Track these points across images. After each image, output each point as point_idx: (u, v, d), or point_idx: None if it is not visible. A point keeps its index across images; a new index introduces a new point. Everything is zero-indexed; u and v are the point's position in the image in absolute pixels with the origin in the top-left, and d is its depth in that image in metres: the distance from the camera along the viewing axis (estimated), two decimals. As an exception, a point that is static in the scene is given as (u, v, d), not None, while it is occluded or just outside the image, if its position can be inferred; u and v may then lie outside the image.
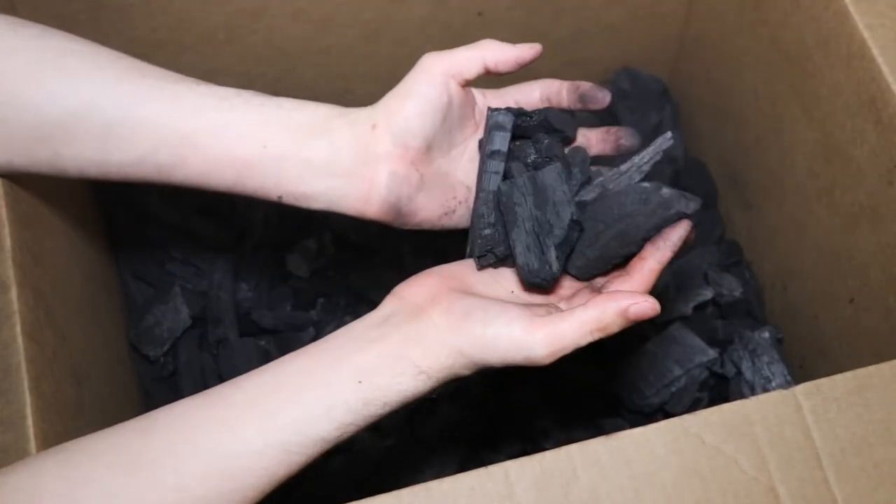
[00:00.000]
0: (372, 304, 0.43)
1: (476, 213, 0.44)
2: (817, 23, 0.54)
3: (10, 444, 0.40)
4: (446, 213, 0.46)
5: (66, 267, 0.52)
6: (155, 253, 0.70)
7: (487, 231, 0.44)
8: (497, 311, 0.40)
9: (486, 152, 0.44)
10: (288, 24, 0.63)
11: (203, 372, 0.66)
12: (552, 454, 0.37)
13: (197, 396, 0.40)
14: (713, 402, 0.65)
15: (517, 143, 0.46)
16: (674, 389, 0.64)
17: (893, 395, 0.39)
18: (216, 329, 0.67)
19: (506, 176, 0.44)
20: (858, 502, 0.37)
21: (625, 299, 0.39)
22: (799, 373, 0.65)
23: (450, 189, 0.46)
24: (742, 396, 0.62)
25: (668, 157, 0.44)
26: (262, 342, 0.68)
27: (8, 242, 0.44)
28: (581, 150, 0.46)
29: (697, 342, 0.64)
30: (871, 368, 0.39)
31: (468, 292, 0.43)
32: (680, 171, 0.75)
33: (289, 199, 0.43)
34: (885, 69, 0.48)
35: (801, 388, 0.39)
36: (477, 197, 0.45)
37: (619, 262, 0.44)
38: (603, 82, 0.74)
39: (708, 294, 0.68)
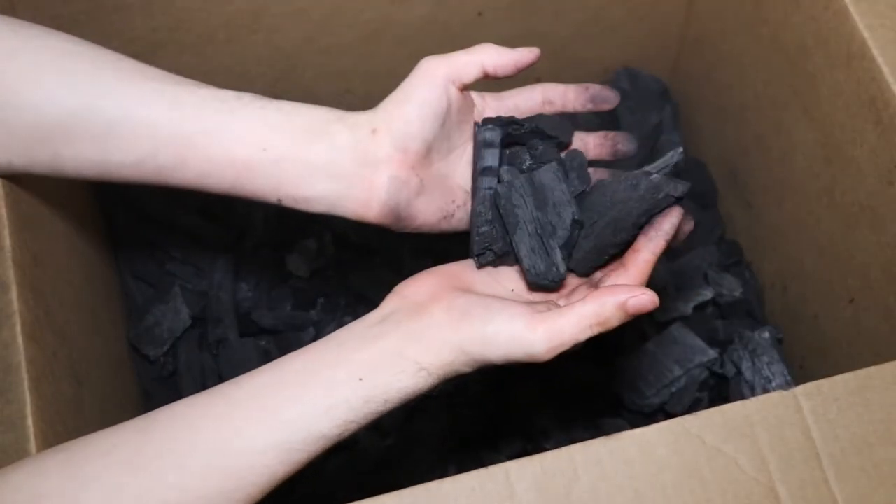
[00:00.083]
0: (372, 304, 0.43)
1: (474, 212, 0.44)
2: (817, 23, 0.54)
3: (10, 444, 0.40)
4: (445, 217, 0.46)
5: (66, 267, 0.52)
6: (155, 253, 0.70)
7: (485, 228, 0.44)
8: (498, 308, 0.40)
9: (477, 170, 0.44)
10: (288, 24, 0.63)
11: (203, 372, 0.66)
12: (553, 454, 0.37)
13: (198, 396, 0.40)
14: (713, 402, 0.66)
15: (512, 149, 0.46)
16: (674, 389, 0.64)
17: (893, 396, 0.39)
18: (216, 329, 0.67)
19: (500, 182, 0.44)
20: (858, 502, 0.37)
21: (623, 293, 0.39)
22: (799, 373, 0.65)
23: (448, 193, 0.46)
24: (742, 397, 0.62)
25: (676, 170, 0.45)
26: (262, 342, 0.68)
27: (8, 242, 0.44)
28: (578, 154, 0.46)
29: (697, 342, 0.64)
30: (872, 369, 0.39)
31: (469, 290, 0.43)
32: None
33: (288, 202, 0.43)
34: (885, 69, 0.48)
35: (801, 389, 0.39)
36: (473, 200, 0.45)
37: (615, 251, 0.44)
38: (603, 82, 0.73)
39: (708, 294, 0.68)
